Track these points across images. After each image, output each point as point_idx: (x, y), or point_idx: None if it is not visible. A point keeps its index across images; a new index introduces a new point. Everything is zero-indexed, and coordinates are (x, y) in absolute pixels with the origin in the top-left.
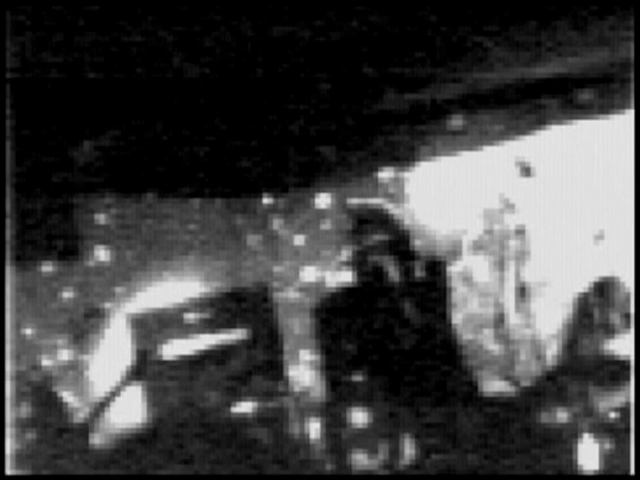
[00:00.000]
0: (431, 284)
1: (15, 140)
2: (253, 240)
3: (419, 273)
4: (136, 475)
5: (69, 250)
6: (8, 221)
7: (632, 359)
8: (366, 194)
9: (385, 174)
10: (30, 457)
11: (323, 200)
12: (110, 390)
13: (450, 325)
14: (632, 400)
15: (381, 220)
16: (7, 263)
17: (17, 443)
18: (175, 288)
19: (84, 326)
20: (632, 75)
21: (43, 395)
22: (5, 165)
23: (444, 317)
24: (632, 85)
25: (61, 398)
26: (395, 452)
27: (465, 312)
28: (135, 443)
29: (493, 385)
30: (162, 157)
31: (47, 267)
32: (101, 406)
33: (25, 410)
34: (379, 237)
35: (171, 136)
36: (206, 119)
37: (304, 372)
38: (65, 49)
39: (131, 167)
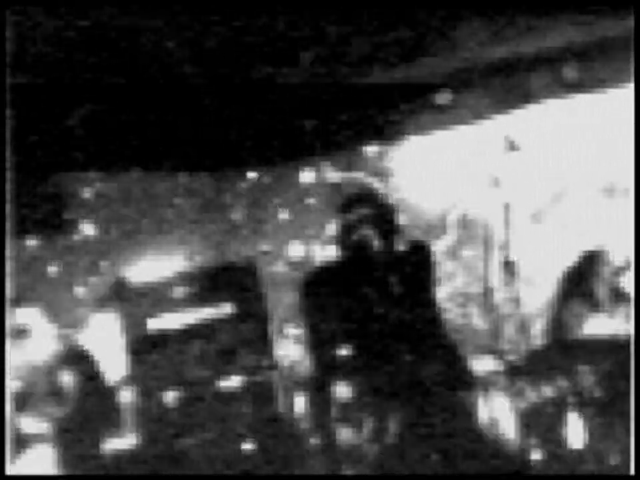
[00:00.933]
0: (414, 259)
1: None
2: (239, 215)
3: (403, 247)
4: (136, 475)
5: (54, 225)
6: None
7: (632, 360)
8: (351, 169)
9: (371, 149)
10: None
11: (308, 175)
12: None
13: (434, 299)
14: (632, 400)
15: (366, 195)
16: (7, 262)
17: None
18: (161, 263)
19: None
20: (632, 76)
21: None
22: (4, 151)
23: (428, 292)
24: (632, 85)
25: None
26: (380, 427)
27: (451, 287)
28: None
29: (479, 360)
30: (147, 132)
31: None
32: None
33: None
34: (363, 212)
35: (157, 112)
36: (191, 95)
37: (291, 347)
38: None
39: (116, 143)
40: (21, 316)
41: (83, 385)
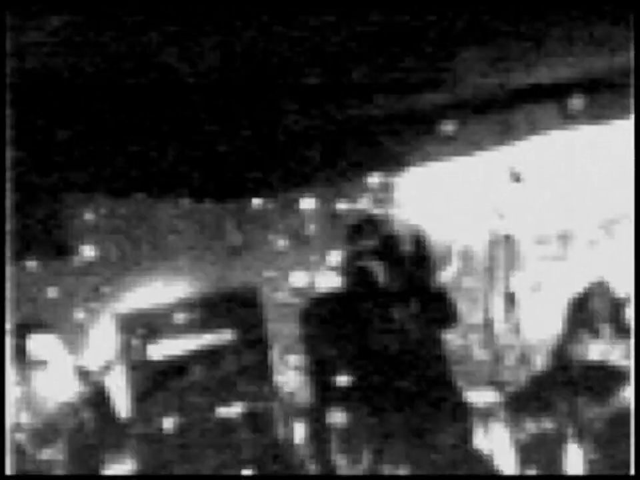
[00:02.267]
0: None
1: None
2: (241, 242)
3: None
4: (136, 475)
5: (58, 249)
6: (8, 224)
7: (632, 362)
8: (354, 198)
9: (374, 179)
10: None
11: (310, 204)
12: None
13: (439, 332)
14: (632, 400)
15: (371, 225)
16: (7, 265)
17: None
18: (164, 288)
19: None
20: (632, 77)
21: None
22: (5, 167)
23: (433, 324)
24: (632, 87)
25: None
26: (379, 458)
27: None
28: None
29: (479, 391)
30: (152, 158)
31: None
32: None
33: None
34: (368, 242)
35: (161, 138)
36: (197, 122)
37: (291, 375)
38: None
39: (122, 168)
40: (37, 344)
41: (100, 422)
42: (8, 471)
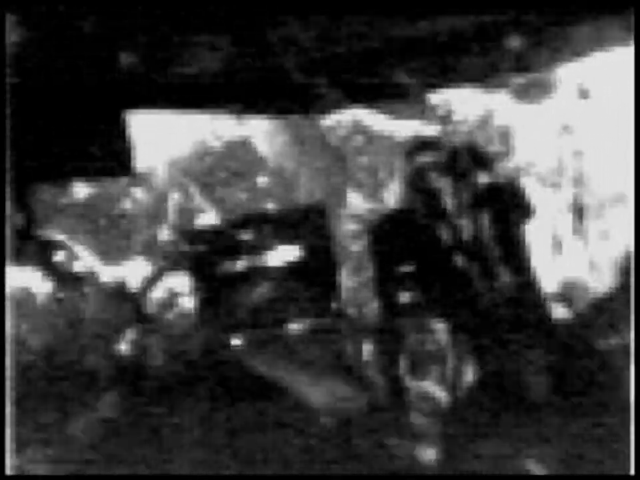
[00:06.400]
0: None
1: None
2: (313, 156)
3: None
4: (136, 474)
5: None
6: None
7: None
8: (415, 116)
9: (435, 96)
10: None
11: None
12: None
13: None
14: (632, 400)
15: (433, 142)
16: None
17: None
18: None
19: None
20: (632, 77)
21: None
22: (4, 163)
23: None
24: (632, 87)
25: None
26: (454, 374)
27: None
28: None
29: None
30: None
31: None
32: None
33: None
34: (432, 158)
35: None
36: None
37: (359, 291)
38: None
39: None
40: None
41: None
42: (8, 471)
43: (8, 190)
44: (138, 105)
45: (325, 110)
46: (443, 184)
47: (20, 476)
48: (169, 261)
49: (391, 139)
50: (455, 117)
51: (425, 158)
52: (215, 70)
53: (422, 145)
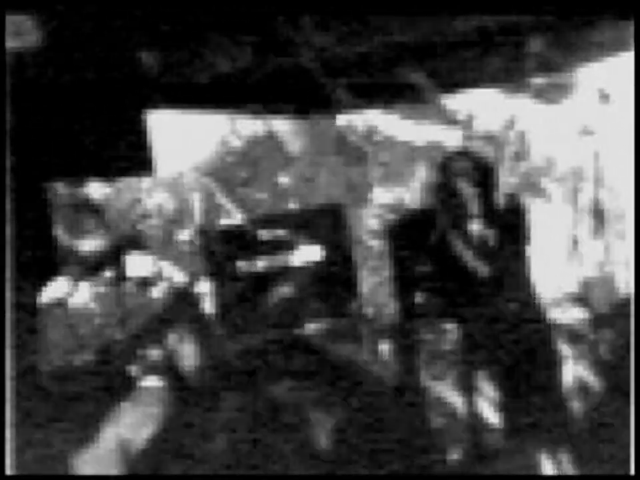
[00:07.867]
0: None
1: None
2: (331, 157)
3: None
4: (136, 474)
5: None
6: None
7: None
8: (432, 118)
9: (454, 98)
10: None
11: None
12: None
13: (523, 253)
14: (632, 400)
15: (465, 151)
16: (7, 263)
17: None
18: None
19: None
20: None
21: None
22: (4, 164)
23: (518, 245)
24: (632, 88)
25: None
26: (468, 381)
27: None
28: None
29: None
30: None
31: None
32: None
33: None
34: (461, 165)
35: None
36: None
37: (377, 291)
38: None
39: None
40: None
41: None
42: (8, 471)
43: (9, 190)
44: (159, 105)
45: (345, 110)
46: (469, 191)
47: (20, 476)
48: (195, 263)
49: (408, 142)
50: (476, 121)
51: (456, 167)
52: (236, 70)
53: (455, 155)
